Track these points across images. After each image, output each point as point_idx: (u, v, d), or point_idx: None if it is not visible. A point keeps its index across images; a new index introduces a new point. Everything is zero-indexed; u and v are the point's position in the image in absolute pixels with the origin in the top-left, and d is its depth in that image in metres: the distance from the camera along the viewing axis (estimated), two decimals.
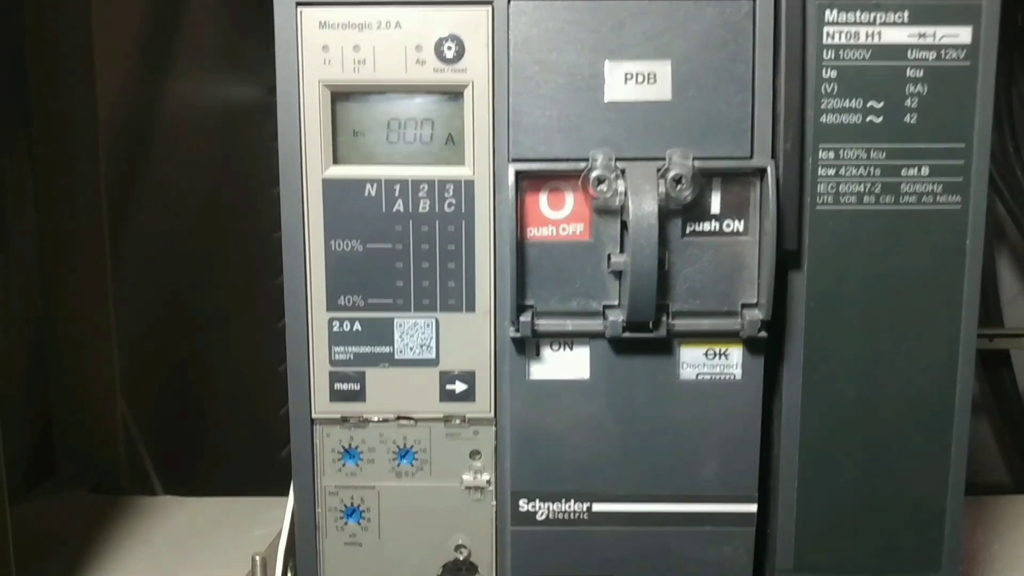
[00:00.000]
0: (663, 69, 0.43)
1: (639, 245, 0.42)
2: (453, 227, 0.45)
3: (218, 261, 0.81)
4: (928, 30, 0.43)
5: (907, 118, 0.43)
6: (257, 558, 0.50)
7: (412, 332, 0.46)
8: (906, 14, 0.43)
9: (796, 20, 0.42)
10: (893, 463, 0.46)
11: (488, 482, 0.47)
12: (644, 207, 0.42)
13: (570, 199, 0.44)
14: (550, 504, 0.46)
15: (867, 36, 0.43)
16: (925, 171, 0.44)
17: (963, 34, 0.43)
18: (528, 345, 0.45)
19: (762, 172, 0.43)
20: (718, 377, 0.45)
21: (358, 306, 0.45)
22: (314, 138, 0.44)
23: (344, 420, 0.47)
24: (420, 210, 0.45)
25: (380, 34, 0.43)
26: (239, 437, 0.80)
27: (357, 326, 0.46)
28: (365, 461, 0.47)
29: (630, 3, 0.43)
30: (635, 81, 0.43)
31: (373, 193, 0.44)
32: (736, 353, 0.45)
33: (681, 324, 0.44)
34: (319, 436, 0.47)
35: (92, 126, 0.68)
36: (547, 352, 0.45)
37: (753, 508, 0.46)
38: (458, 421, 0.46)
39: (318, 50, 0.43)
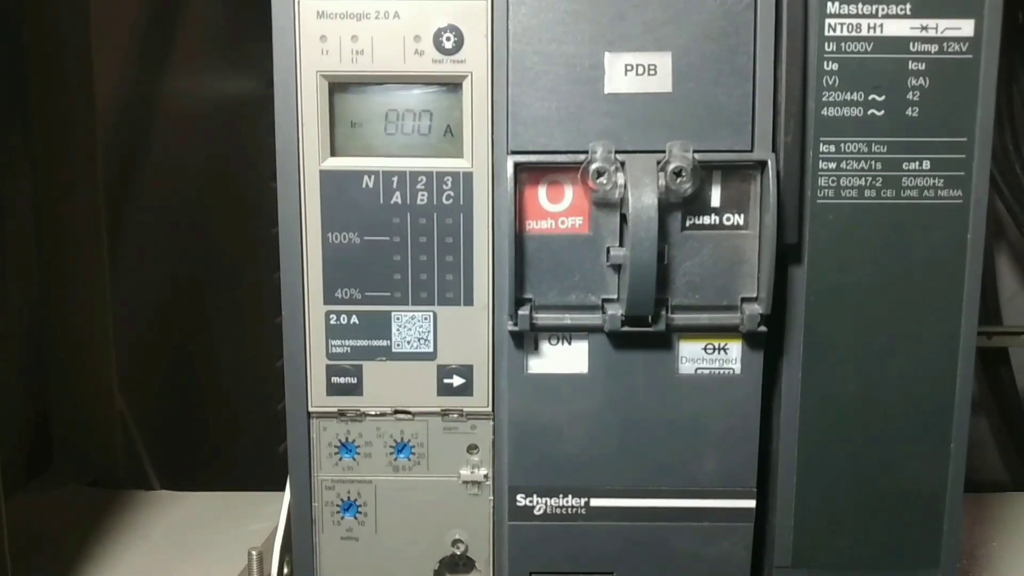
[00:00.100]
0: (663, 61, 0.43)
1: (638, 238, 0.42)
2: (451, 220, 0.44)
3: (216, 255, 0.81)
4: (930, 23, 0.43)
5: (909, 111, 0.43)
6: (254, 552, 0.50)
7: (410, 325, 0.45)
8: (908, 7, 0.42)
9: (797, 12, 0.42)
10: (892, 459, 0.46)
11: (486, 476, 0.47)
12: (644, 200, 0.42)
13: (569, 192, 0.44)
14: (548, 499, 0.46)
15: (869, 28, 0.42)
16: (926, 165, 0.44)
17: (965, 27, 0.43)
18: (526, 339, 0.45)
19: (763, 165, 0.43)
20: (717, 372, 0.45)
21: (355, 299, 0.45)
22: (311, 129, 0.44)
23: (341, 414, 0.46)
24: (418, 202, 0.44)
25: (378, 24, 0.43)
26: (236, 431, 0.80)
27: (354, 319, 0.45)
28: (362, 455, 0.47)
29: None
30: (635, 73, 0.43)
31: (371, 185, 0.44)
32: (735, 348, 0.45)
33: (680, 318, 0.44)
34: (316, 430, 0.47)
35: (90, 121, 0.68)
36: (545, 346, 0.45)
37: (752, 503, 0.46)
38: (456, 415, 0.46)
39: (316, 40, 0.43)
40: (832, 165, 0.43)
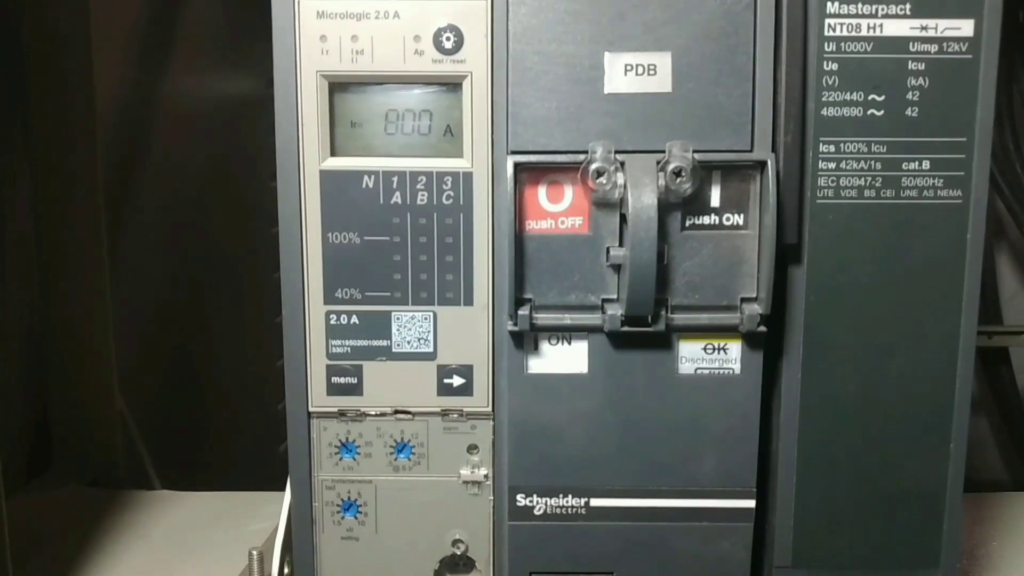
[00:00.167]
0: (663, 61, 0.43)
1: (638, 238, 0.42)
2: (451, 220, 0.44)
3: (216, 255, 0.81)
4: (930, 23, 0.43)
5: (908, 111, 0.43)
6: (254, 552, 0.50)
7: (410, 325, 0.45)
8: (908, 6, 0.42)
9: (797, 12, 0.42)
10: (892, 458, 0.46)
11: (486, 476, 0.47)
12: (643, 200, 0.42)
13: (569, 192, 0.44)
14: (548, 499, 0.46)
15: (869, 28, 0.42)
16: (926, 165, 0.44)
17: (965, 27, 0.43)
18: (526, 339, 0.45)
19: (762, 165, 0.43)
20: (717, 372, 0.45)
21: (355, 299, 0.45)
22: (311, 129, 0.44)
23: (341, 414, 0.46)
24: (418, 202, 0.44)
25: (378, 24, 0.43)
26: (236, 431, 0.80)
27: (354, 319, 0.45)
28: (362, 455, 0.47)
29: None
30: (635, 73, 0.43)
31: (371, 185, 0.44)
32: (735, 348, 0.45)
33: (680, 318, 0.44)
34: (316, 430, 0.47)
35: (90, 121, 0.68)
36: (545, 346, 0.45)
37: (751, 503, 0.46)
38: (456, 415, 0.46)
39: (316, 40, 0.43)
40: (832, 165, 0.43)
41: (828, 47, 0.43)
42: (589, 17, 0.43)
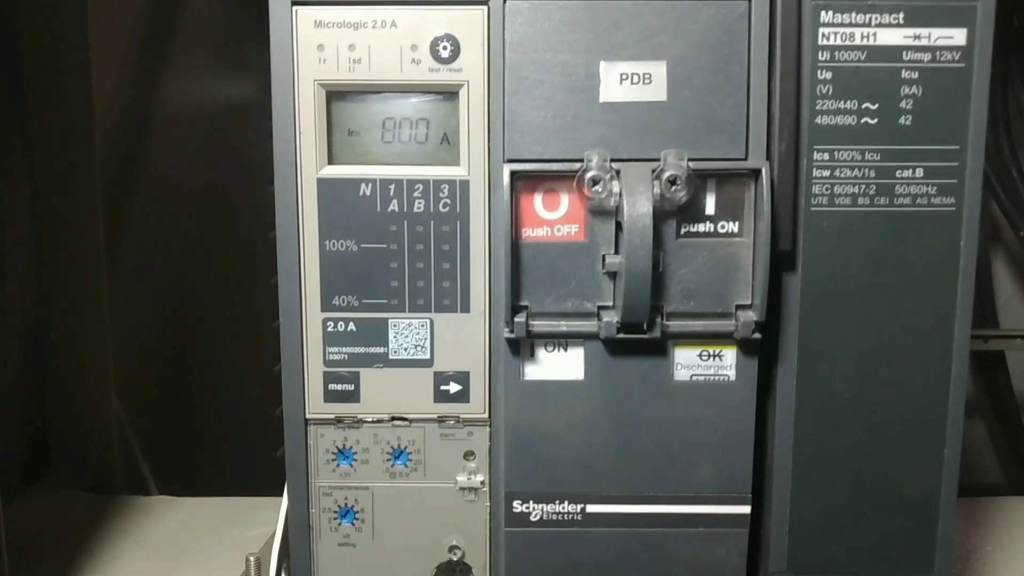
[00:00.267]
0: (658, 70, 0.43)
1: (634, 246, 0.42)
2: (448, 227, 0.45)
3: (213, 260, 0.81)
4: (923, 32, 0.43)
5: (902, 120, 0.43)
6: (251, 558, 0.50)
7: (407, 332, 0.46)
8: (901, 16, 0.43)
9: (791, 21, 0.42)
10: (887, 464, 0.46)
11: (482, 483, 0.47)
12: (639, 208, 0.42)
13: (565, 200, 0.44)
14: (544, 505, 0.46)
15: (862, 37, 0.43)
16: (920, 173, 0.44)
17: (958, 36, 0.43)
18: (523, 346, 0.45)
19: (757, 173, 0.43)
20: (712, 378, 0.45)
21: (352, 306, 0.45)
22: (309, 138, 0.44)
23: (338, 420, 0.46)
24: (415, 210, 0.45)
25: (375, 33, 0.43)
26: (234, 437, 0.80)
27: (351, 326, 0.46)
28: (359, 462, 0.47)
29: (626, 3, 0.43)
30: (630, 82, 0.43)
31: (368, 193, 0.44)
32: (730, 354, 0.45)
33: (675, 325, 0.44)
34: (313, 436, 0.47)
35: (88, 125, 0.68)
36: (541, 353, 0.45)
37: (747, 509, 0.46)
38: (452, 422, 0.46)
39: (313, 49, 0.43)
40: (826, 173, 0.44)
41: (822, 56, 0.43)
42: (585, 26, 0.43)
